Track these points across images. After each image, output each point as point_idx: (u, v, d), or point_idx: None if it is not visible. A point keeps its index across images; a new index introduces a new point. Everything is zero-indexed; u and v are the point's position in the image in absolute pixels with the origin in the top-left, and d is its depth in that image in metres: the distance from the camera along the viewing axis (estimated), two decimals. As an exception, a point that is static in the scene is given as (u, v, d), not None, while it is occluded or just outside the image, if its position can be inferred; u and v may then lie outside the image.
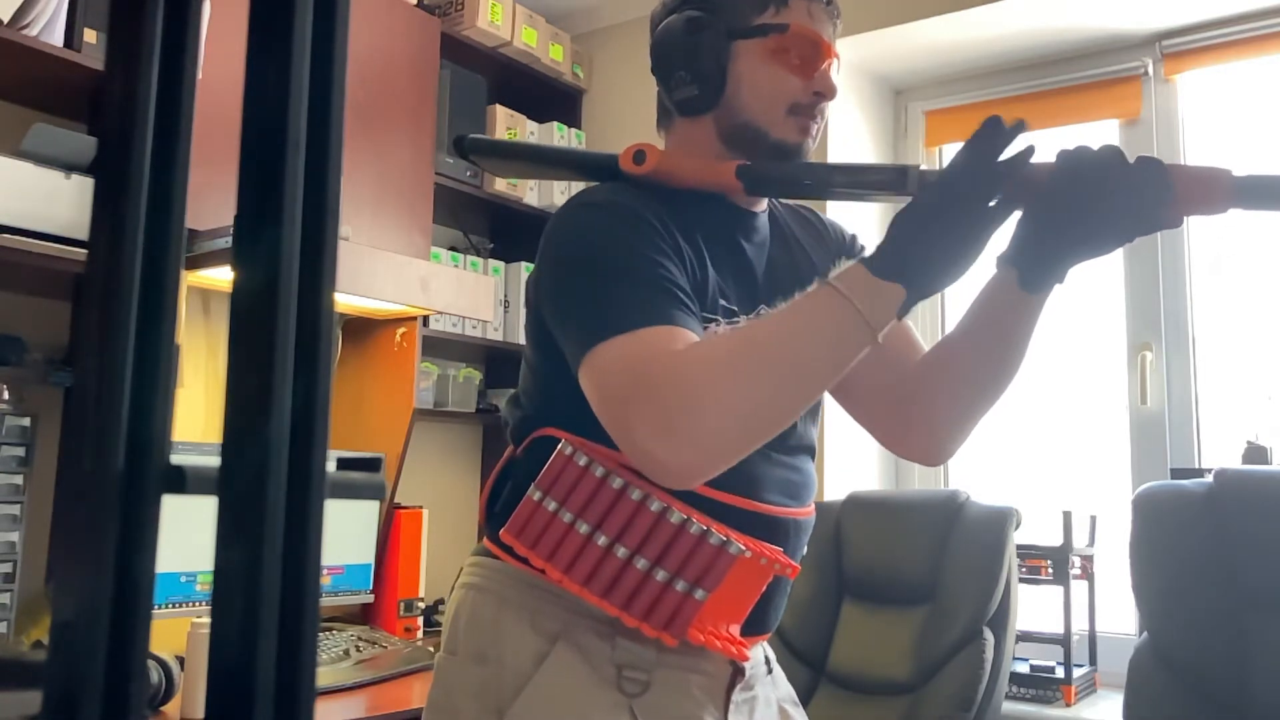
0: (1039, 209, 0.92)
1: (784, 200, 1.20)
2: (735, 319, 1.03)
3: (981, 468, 2.62)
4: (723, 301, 1.03)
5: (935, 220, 0.87)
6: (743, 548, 0.93)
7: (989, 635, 1.93)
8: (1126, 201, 0.87)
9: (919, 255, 0.87)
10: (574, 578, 0.95)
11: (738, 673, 1.04)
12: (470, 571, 1.06)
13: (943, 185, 0.88)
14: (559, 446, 0.98)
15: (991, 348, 1.02)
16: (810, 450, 1.11)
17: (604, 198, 1.02)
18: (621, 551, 0.94)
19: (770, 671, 1.13)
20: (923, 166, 0.97)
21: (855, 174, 1.01)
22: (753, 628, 1.03)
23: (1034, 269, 0.95)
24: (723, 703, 1.03)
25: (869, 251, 1.22)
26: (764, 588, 1.00)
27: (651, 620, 0.93)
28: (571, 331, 0.95)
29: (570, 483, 0.96)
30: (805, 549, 1.10)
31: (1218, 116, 2.44)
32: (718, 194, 1.06)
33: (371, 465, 0.34)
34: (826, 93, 1.05)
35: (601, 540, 0.94)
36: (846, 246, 1.20)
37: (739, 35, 1.04)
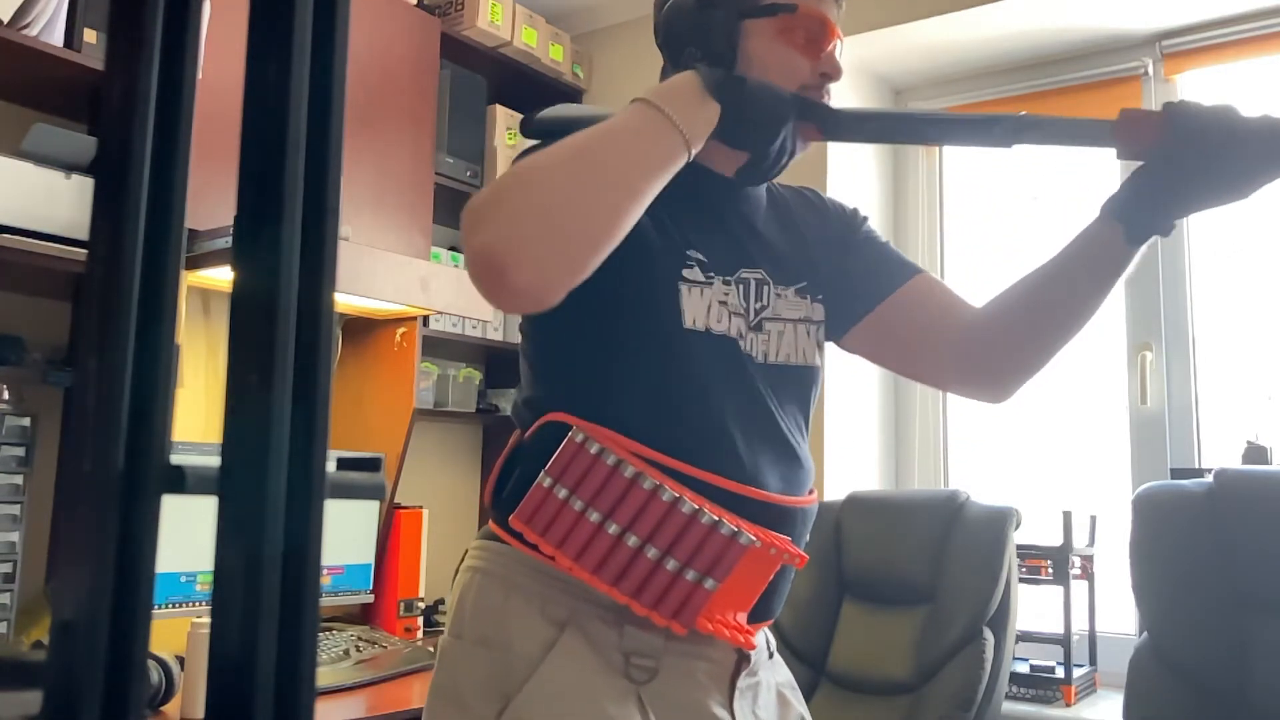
0: (1159, 162, 0.95)
1: (781, 180, 1.20)
2: (710, 275, 1.04)
3: (981, 468, 2.62)
4: (690, 251, 1.04)
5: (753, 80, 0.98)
6: (753, 538, 0.94)
7: (989, 635, 1.93)
8: (1246, 155, 0.90)
9: (742, 91, 0.96)
10: (584, 565, 0.95)
11: (743, 659, 1.04)
12: (476, 555, 1.06)
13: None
14: (570, 434, 0.98)
15: (1081, 290, 1.05)
16: (804, 438, 1.11)
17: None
18: (632, 540, 0.94)
19: (771, 656, 1.13)
20: (1022, 113, 0.99)
21: (944, 125, 1.04)
22: (758, 615, 1.04)
23: (1143, 220, 0.99)
24: (728, 689, 1.03)
25: (870, 223, 1.22)
26: (771, 577, 1.01)
27: (661, 609, 0.93)
28: None
29: (581, 471, 0.97)
30: (809, 537, 1.10)
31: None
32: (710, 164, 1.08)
33: (371, 465, 0.34)
34: (833, 74, 1.07)
35: (613, 529, 0.95)
36: (849, 218, 1.21)
37: (748, 14, 1.06)
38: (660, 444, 0.98)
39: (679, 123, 0.92)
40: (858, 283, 1.16)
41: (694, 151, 0.94)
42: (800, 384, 1.11)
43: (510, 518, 1.00)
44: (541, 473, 0.98)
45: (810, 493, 1.09)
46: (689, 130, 0.93)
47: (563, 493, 0.97)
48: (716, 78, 0.96)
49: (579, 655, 0.97)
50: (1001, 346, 1.11)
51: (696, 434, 1.00)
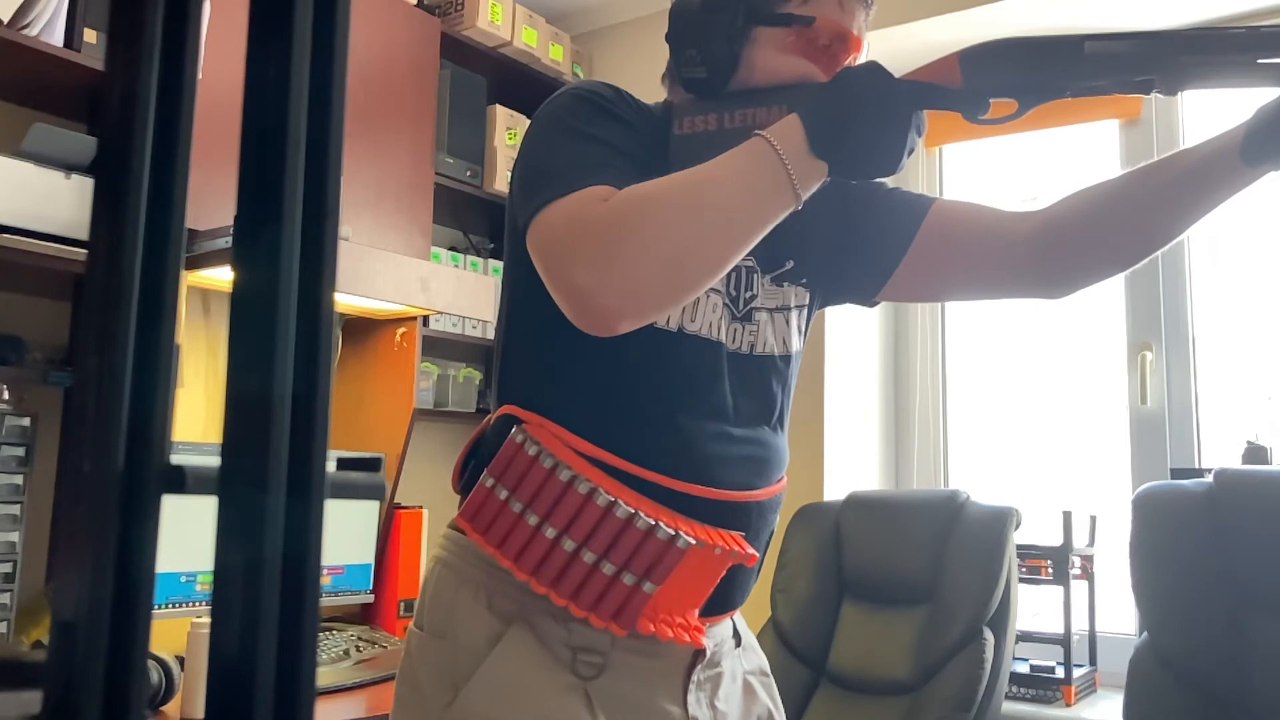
0: None
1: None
2: None
3: (981, 468, 2.62)
4: None
5: (865, 115, 0.90)
6: (692, 540, 0.92)
7: (989, 635, 1.93)
8: None
9: (850, 144, 0.90)
10: (523, 567, 0.94)
11: (699, 653, 1.03)
12: (441, 545, 1.06)
13: (868, 85, 0.91)
14: (511, 433, 0.97)
15: (1184, 201, 1.01)
16: (778, 420, 1.08)
17: (586, 87, 1.05)
18: (569, 544, 0.93)
19: (739, 645, 1.11)
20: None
21: (1105, 60, 1.01)
22: (714, 608, 1.02)
23: (1267, 146, 0.96)
24: (682, 683, 1.02)
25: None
26: (722, 574, 0.99)
27: (599, 611, 0.92)
28: (519, 205, 0.96)
29: (520, 472, 0.95)
30: (774, 525, 1.08)
31: (1218, 118, 2.44)
32: None
33: (371, 465, 0.34)
34: None
35: (550, 532, 0.94)
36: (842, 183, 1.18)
37: (760, 21, 1.01)
38: (604, 441, 0.97)
39: (794, 177, 0.89)
40: (877, 241, 1.13)
41: (801, 200, 0.91)
42: (776, 372, 1.08)
43: (456, 516, 1.00)
44: (484, 472, 0.97)
45: (778, 481, 1.06)
46: (801, 186, 0.90)
47: (503, 494, 0.96)
48: (819, 131, 0.90)
49: (524, 650, 0.96)
50: (1080, 245, 1.07)
51: (642, 431, 0.98)
